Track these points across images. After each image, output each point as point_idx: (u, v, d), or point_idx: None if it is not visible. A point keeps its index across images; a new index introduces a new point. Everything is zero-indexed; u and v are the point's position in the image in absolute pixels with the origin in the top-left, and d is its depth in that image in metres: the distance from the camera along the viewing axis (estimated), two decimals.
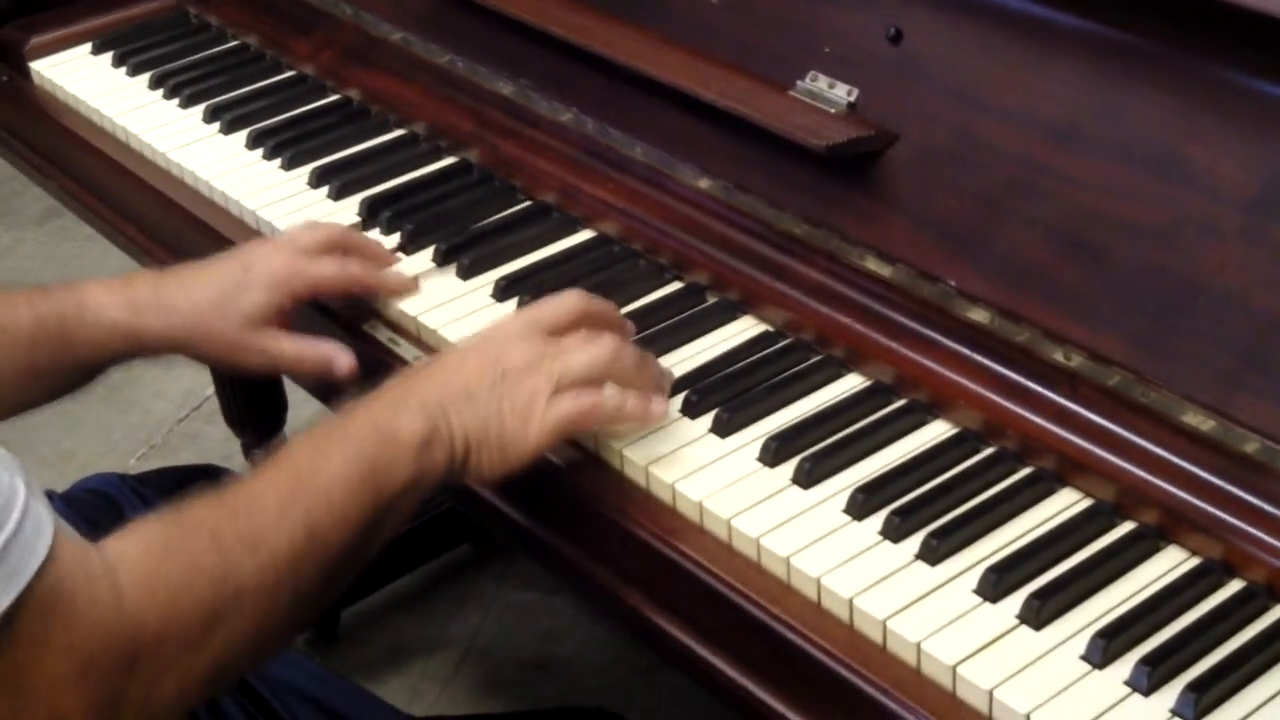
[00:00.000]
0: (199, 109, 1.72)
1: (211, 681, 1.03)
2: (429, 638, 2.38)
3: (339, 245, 1.40)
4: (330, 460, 1.08)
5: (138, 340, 1.35)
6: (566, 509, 1.22)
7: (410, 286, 1.40)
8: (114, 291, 1.35)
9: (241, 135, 1.67)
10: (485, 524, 1.33)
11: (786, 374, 1.27)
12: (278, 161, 1.62)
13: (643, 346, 1.30)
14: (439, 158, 1.61)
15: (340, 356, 1.34)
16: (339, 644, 2.34)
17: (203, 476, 1.68)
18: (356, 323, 1.40)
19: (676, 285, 1.39)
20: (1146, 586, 1.07)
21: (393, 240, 1.48)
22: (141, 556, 0.99)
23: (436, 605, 2.43)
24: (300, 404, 2.31)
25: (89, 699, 0.95)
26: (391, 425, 1.12)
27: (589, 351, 1.19)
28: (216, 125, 1.69)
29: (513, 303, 1.38)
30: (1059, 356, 1.18)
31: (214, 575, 1.01)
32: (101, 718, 0.96)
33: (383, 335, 1.39)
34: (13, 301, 1.33)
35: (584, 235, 1.46)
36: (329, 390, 1.47)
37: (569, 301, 1.25)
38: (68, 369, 1.36)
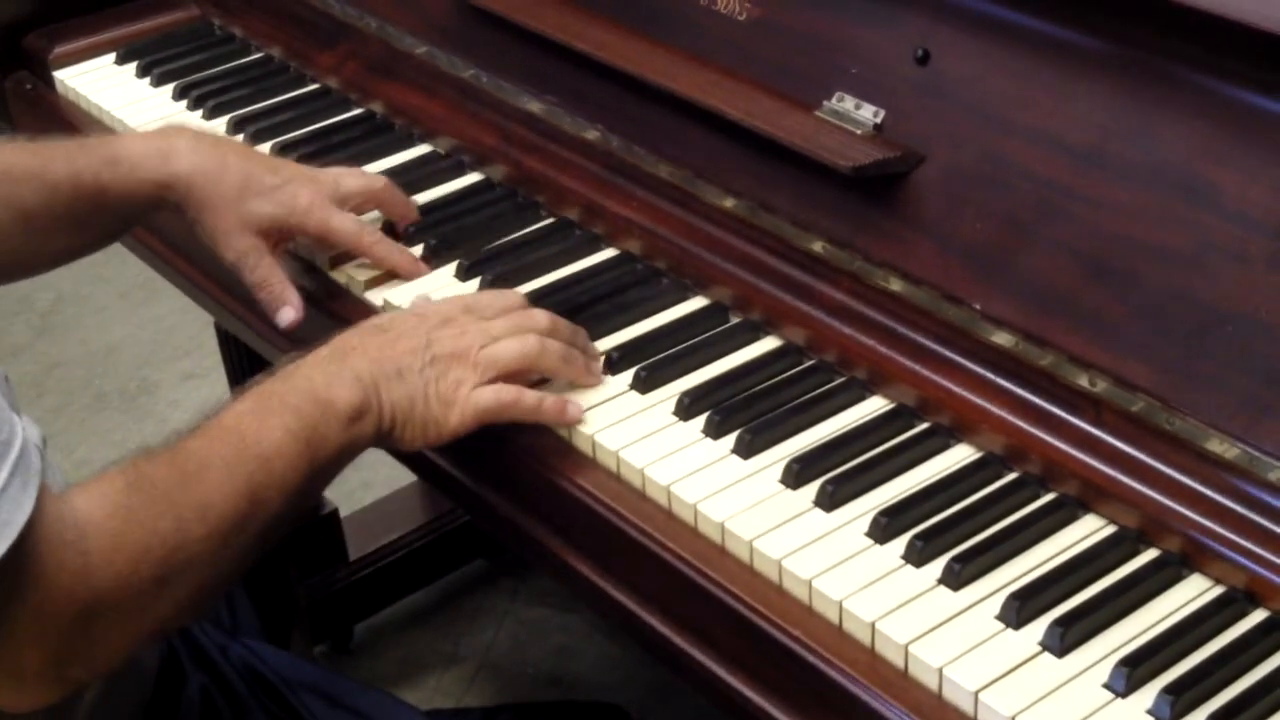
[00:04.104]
0: (223, 120, 1.72)
1: (155, 635, 1.15)
2: (443, 653, 2.38)
3: (375, 199, 1.48)
4: (272, 428, 1.15)
5: (163, 185, 1.41)
6: (585, 527, 1.22)
7: (418, 270, 1.45)
8: (149, 140, 1.44)
9: (266, 148, 1.66)
10: (502, 539, 1.33)
11: (809, 395, 1.27)
12: None
13: (666, 366, 1.30)
14: (463, 173, 1.61)
15: (288, 311, 1.41)
16: (352, 657, 2.34)
17: None
18: None
19: (699, 304, 1.39)
20: (1170, 615, 1.07)
21: (416, 255, 1.47)
22: (107, 522, 1.05)
23: (450, 620, 2.43)
24: None
25: (45, 654, 1.04)
26: (328, 396, 1.19)
27: (515, 346, 1.25)
28: (240, 137, 1.69)
29: None
30: (1083, 381, 1.18)
31: (169, 543, 1.07)
32: (53, 671, 1.05)
33: None
34: (51, 155, 1.40)
35: (607, 253, 1.46)
36: None
37: (510, 296, 1.32)
38: (106, 218, 1.44)
